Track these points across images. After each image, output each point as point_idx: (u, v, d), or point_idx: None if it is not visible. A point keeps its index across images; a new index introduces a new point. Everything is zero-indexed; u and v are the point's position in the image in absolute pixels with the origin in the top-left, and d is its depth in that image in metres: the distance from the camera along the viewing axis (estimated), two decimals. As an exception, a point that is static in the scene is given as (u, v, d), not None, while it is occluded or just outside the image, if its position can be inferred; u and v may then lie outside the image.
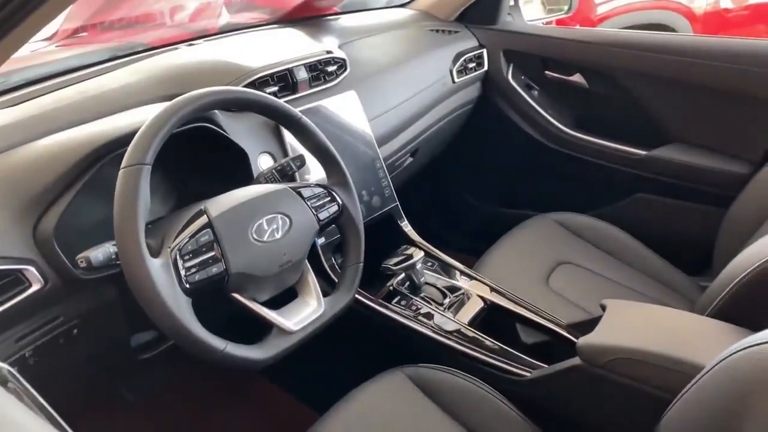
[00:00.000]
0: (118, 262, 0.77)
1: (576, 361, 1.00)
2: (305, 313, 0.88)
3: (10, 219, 0.81)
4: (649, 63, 1.59)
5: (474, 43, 1.78)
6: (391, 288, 1.27)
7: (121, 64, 1.18)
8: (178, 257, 0.75)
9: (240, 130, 1.08)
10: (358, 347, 1.32)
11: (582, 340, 1.00)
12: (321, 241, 1.22)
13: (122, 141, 0.87)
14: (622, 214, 1.68)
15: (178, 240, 0.77)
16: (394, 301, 1.24)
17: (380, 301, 1.22)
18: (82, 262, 0.75)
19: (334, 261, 1.23)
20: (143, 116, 0.86)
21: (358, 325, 1.22)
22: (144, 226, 0.73)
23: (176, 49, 1.30)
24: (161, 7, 1.33)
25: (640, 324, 1.02)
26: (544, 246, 1.50)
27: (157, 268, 0.72)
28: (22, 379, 0.63)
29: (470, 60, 1.75)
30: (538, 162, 1.81)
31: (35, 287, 0.80)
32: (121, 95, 1.04)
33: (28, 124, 0.91)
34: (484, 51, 1.79)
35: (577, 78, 1.72)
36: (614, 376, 0.95)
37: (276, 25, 1.55)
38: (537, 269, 1.43)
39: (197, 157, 1.02)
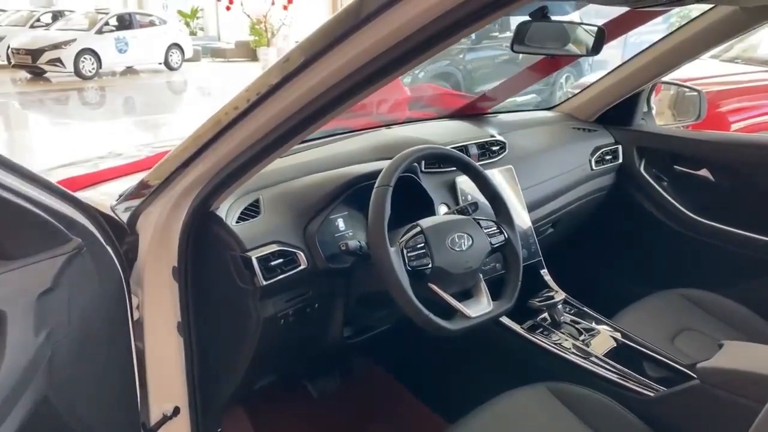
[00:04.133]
0: (360, 252, 1.16)
1: (695, 382, 1.21)
2: (479, 308, 1.21)
3: (291, 221, 1.23)
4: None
5: (610, 140, 2.11)
6: (534, 322, 1.55)
7: (347, 136, 1.65)
8: (403, 248, 1.13)
9: (429, 185, 1.48)
10: (501, 365, 1.59)
11: (701, 364, 1.21)
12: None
13: (359, 180, 1.30)
14: (750, 294, 1.84)
15: (403, 239, 1.15)
16: (537, 332, 1.51)
17: (525, 329, 1.50)
18: (343, 246, 1.15)
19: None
20: (370, 168, 1.29)
21: (504, 347, 1.50)
22: (387, 226, 1.11)
23: (379, 130, 1.76)
24: (370, 101, 1.83)
25: (755, 355, 1.21)
26: (671, 314, 1.69)
27: (392, 252, 1.10)
28: None
29: (606, 153, 2.07)
30: (666, 243, 2.03)
31: (302, 266, 1.20)
32: (353, 155, 1.48)
33: (301, 167, 1.37)
34: (619, 147, 2.11)
35: (703, 172, 1.97)
36: (729, 395, 1.15)
37: (446, 119, 1.99)
38: (663, 330, 1.63)
39: (401, 201, 1.42)
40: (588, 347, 1.47)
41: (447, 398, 1.61)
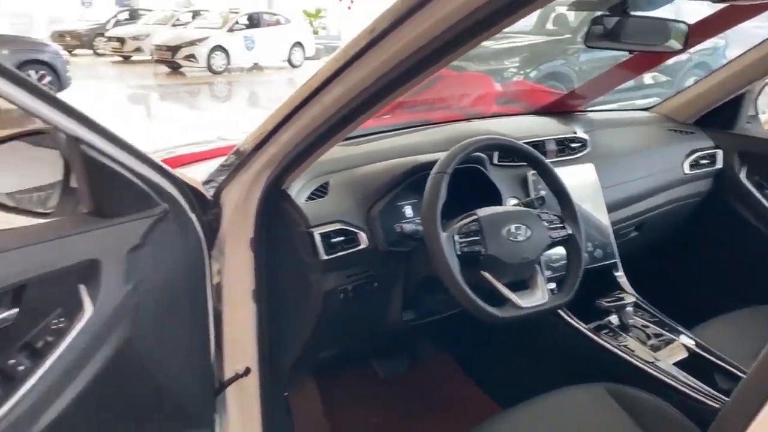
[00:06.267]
0: (417, 236, 1.22)
1: None
2: (533, 299, 1.22)
3: (355, 203, 1.32)
4: None
5: (709, 144, 1.99)
6: (601, 322, 1.52)
7: (424, 128, 1.71)
8: (455, 234, 1.18)
9: (498, 177, 1.51)
10: (562, 361, 1.58)
11: None
12: (548, 273, 1.54)
13: (424, 168, 1.36)
14: None
15: (457, 225, 1.20)
16: (603, 332, 1.49)
17: (590, 328, 1.49)
18: (398, 228, 1.22)
19: (553, 289, 1.53)
20: (435, 158, 1.34)
21: (566, 343, 1.49)
22: (440, 211, 1.16)
23: (458, 123, 1.80)
24: (452, 94, 1.88)
25: None
26: (760, 332, 1.57)
27: (444, 237, 1.15)
28: None
29: (703, 157, 1.96)
30: (765, 256, 1.90)
31: (363, 245, 1.28)
32: (424, 145, 1.54)
33: (371, 155, 1.45)
34: (719, 151, 1.99)
35: (814, 181, 1.82)
36: None
37: (533, 115, 1.98)
38: (747, 347, 1.50)
39: (466, 193, 1.46)
40: (655, 353, 1.42)
41: (506, 387, 1.62)
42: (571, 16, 7.82)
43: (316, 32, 18.70)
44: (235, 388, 1.38)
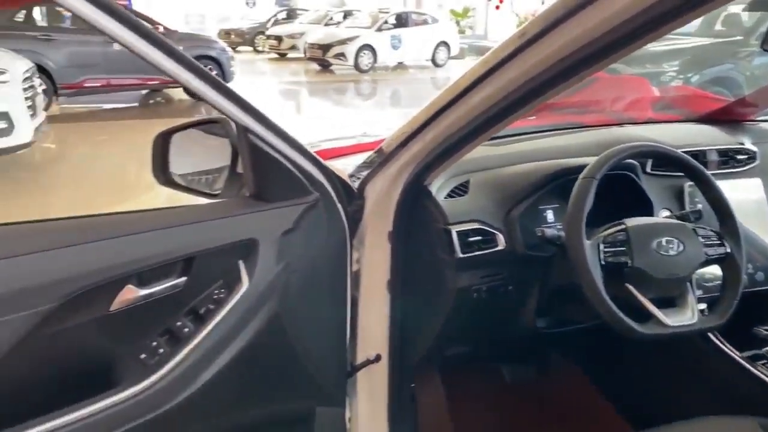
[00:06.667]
0: (558, 242, 1.19)
1: None
2: (680, 318, 1.14)
3: (494, 203, 1.32)
4: None
5: None
6: (758, 352, 1.38)
7: (568, 132, 1.66)
8: (600, 243, 1.13)
9: (651, 187, 1.42)
10: (706, 388, 1.46)
11: None
12: (699, 293, 1.43)
13: (570, 172, 1.32)
14: None
15: (603, 234, 1.15)
16: (760, 362, 1.36)
17: (744, 357, 1.36)
18: (539, 232, 1.20)
19: (704, 310, 1.42)
20: (582, 162, 1.29)
21: (714, 370, 1.38)
22: (586, 218, 1.12)
23: (609, 127, 1.72)
24: (605, 97, 1.81)
25: None
26: None
27: (588, 244, 1.11)
28: None
29: None
30: None
31: (500, 247, 1.28)
32: (572, 149, 1.50)
33: (514, 156, 1.44)
34: None
35: None
36: None
37: (693, 123, 1.84)
38: None
39: (614, 201, 1.40)
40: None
41: (641, 408, 1.53)
42: (745, 16, 7.10)
43: (462, 32, 18.69)
44: (366, 373, 1.44)
